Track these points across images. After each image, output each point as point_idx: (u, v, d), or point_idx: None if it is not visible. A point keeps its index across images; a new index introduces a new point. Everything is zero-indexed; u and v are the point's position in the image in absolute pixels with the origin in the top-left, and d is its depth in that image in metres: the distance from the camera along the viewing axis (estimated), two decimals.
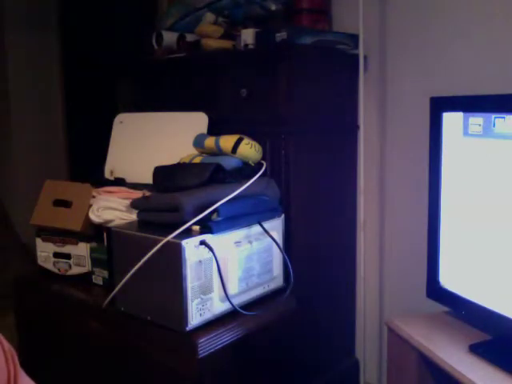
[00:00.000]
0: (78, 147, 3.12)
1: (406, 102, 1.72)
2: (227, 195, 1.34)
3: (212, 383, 1.32)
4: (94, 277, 1.60)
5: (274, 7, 1.72)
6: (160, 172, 1.51)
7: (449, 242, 1.33)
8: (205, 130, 1.66)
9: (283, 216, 1.52)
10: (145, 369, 1.35)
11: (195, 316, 1.27)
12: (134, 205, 1.44)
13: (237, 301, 1.36)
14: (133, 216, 1.48)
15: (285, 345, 1.53)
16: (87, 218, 1.59)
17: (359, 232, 1.82)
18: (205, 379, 1.28)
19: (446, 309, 1.39)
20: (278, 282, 1.52)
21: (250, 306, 1.41)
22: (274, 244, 1.45)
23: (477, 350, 1.18)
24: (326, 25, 1.80)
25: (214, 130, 1.65)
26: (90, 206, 1.60)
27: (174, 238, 1.24)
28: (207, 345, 1.26)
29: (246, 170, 1.50)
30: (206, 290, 1.29)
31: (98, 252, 1.59)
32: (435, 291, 1.37)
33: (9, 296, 1.83)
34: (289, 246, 1.56)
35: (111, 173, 1.83)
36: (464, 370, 1.11)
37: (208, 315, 1.31)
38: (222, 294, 1.31)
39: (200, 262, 1.27)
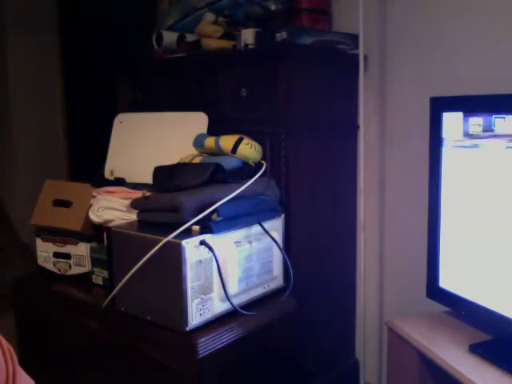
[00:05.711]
0: (78, 147, 3.12)
1: (406, 102, 1.72)
2: (227, 195, 1.34)
3: (212, 383, 1.32)
4: (93, 277, 1.60)
5: (273, 7, 1.72)
6: (160, 172, 1.51)
7: (449, 242, 1.33)
8: (205, 130, 1.66)
9: (283, 216, 1.52)
10: (145, 369, 1.35)
11: (195, 316, 1.27)
12: (134, 205, 1.44)
13: (237, 301, 1.36)
14: (133, 216, 1.48)
15: (285, 345, 1.53)
16: (87, 218, 1.59)
17: (359, 232, 1.82)
18: (205, 379, 1.28)
19: (446, 309, 1.39)
20: (278, 282, 1.52)
21: (250, 306, 1.41)
22: (274, 244, 1.45)
23: (477, 350, 1.18)
24: (325, 25, 1.80)
25: (214, 129, 1.65)
26: (90, 206, 1.60)
27: (174, 237, 1.24)
28: (207, 345, 1.26)
29: (245, 170, 1.50)
30: (206, 290, 1.29)
31: (97, 252, 1.59)
32: (435, 291, 1.37)
33: (9, 296, 1.83)
34: (289, 246, 1.56)
35: (111, 173, 1.83)
36: (464, 370, 1.11)
37: (208, 315, 1.31)
38: (222, 294, 1.31)
39: (200, 261, 1.27)
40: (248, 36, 1.64)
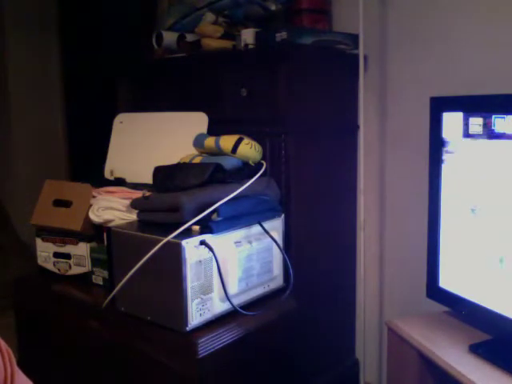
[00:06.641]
0: (78, 147, 3.12)
1: (406, 102, 1.72)
2: (227, 195, 1.34)
3: (212, 383, 1.32)
4: (93, 277, 1.60)
5: (274, 7, 1.72)
6: (160, 172, 1.51)
7: (449, 242, 1.33)
8: (205, 130, 1.66)
9: (283, 216, 1.52)
10: (145, 369, 1.35)
11: (195, 316, 1.27)
12: (134, 205, 1.44)
13: (237, 301, 1.36)
14: (133, 216, 1.48)
15: (285, 345, 1.53)
16: (87, 218, 1.59)
17: (359, 232, 1.82)
18: (205, 379, 1.28)
19: (446, 309, 1.39)
20: (278, 282, 1.52)
21: (250, 306, 1.41)
22: (274, 244, 1.45)
23: (477, 350, 1.18)
24: (326, 25, 1.80)
25: (214, 129, 1.65)
26: (90, 206, 1.60)
27: (174, 238, 1.24)
28: (207, 345, 1.26)
29: (245, 170, 1.50)
30: (206, 290, 1.29)
31: (97, 252, 1.59)
32: (435, 291, 1.37)
33: (9, 296, 1.83)
34: (289, 245, 1.56)
35: (111, 173, 1.83)
36: (464, 370, 1.11)
37: (208, 315, 1.31)
38: (222, 293, 1.31)
39: (200, 261, 1.27)
40: (248, 36, 1.64)
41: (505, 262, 1.17)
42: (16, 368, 0.65)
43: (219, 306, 1.33)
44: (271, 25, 1.76)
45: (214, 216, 1.31)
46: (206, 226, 1.29)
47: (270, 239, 1.44)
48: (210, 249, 1.28)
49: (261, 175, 1.46)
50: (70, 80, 3.12)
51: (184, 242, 1.23)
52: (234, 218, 1.36)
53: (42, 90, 3.10)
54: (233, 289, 1.36)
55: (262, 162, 1.54)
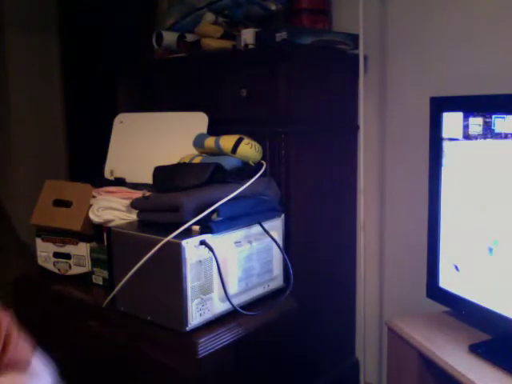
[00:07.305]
0: (78, 147, 3.12)
1: (406, 102, 1.73)
2: (227, 195, 1.34)
3: (212, 383, 1.32)
4: (94, 277, 1.60)
5: (274, 7, 1.72)
6: (160, 172, 1.51)
7: (449, 242, 1.33)
8: (205, 130, 1.66)
9: (283, 216, 1.52)
10: (145, 369, 1.35)
11: (195, 316, 1.27)
12: (134, 205, 1.44)
13: (237, 301, 1.36)
14: (133, 216, 1.48)
15: (285, 345, 1.53)
16: (87, 218, 1.59)
17: (359, 232, 1.82)
18: (205, 379, 1.28)
19: (446, 309, 1.39)
20: (278, 282, 1.52)
21: (250, 306, 1.40)
22: (274, 244, 1.45)
23: (477, 350, 1.19)
24: (326, 25, 1.80)
25: (214, 129, 1.65)
26: (90, 206, 1.60)
27: (174, 238, 1.24)
28: (207, 345, 1.26)
29: (245, 170, 1.50)
30: (206, 289, 1.29)
31: (97, 252, 1.59)
32: (435, 291, 1.37)
33: (9, 296, 1.83)
34: (289, 245, 1.56)
35: (111, 173, 1.83)
36: (464, 370, 1.11)
37: (208, 315, 1.31)
38: (222, 293, 1.31)
39: (200, 261, 1.27)
40: (248, 36, 1.64)
41: (505, 262, 1.17)
42: (12, 329, 0.64)
43: (219, 306, 1.33)
44: (271, 25, 1.76)
45: (214, 216, 1.31)
46: (206, 226, 1.29)
47: (269, 239, 1.44)
48: (210, 249, 1.28)
49: (261, 175, 1.46)
50: (70, 80, 3.12)
51: (184, 242, 1.23)
52: (233, 218, 1.36)
53: (42, 90, 3.10)
54: (233, 289, 1.36)
55: (262, 162, 1.54)
